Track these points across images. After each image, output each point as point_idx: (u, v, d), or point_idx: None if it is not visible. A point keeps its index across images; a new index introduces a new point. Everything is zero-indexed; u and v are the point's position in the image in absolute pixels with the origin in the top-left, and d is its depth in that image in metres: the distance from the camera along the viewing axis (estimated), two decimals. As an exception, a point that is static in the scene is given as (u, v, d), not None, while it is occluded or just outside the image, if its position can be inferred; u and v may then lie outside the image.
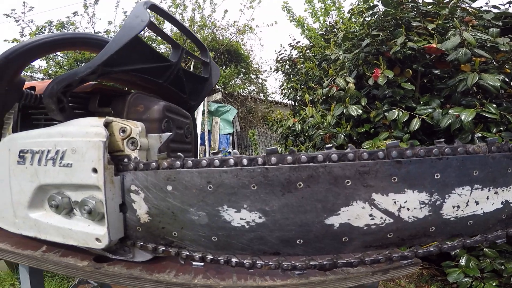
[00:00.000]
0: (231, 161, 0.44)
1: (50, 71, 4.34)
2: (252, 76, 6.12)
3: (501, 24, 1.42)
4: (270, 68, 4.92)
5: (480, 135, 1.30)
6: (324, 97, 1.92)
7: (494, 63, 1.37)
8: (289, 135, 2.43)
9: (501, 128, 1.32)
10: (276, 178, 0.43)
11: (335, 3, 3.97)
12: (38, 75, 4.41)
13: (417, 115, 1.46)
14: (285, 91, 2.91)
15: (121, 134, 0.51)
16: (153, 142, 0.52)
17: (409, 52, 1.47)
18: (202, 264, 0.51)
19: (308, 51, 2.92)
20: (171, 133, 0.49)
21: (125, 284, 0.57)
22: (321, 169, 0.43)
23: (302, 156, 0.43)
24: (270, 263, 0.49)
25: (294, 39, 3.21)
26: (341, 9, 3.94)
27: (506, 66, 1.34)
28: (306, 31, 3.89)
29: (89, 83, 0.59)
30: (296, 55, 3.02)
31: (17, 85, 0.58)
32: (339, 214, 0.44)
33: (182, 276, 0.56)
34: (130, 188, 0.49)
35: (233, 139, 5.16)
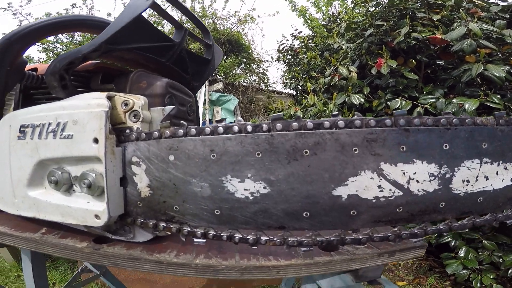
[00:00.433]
0: (235, 128, 0.41)
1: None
2: (254, 66, 5.93)
3: (508, 16, 1.39)
4: (272, 58, 4.79)
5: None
6: (326, 86, 1.89)
7: (500, 55, 1.33)
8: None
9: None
10: (281, 145, 0.41)
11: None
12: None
13: (420, 104, 1.43)
14: (287, 80, 2.84)
15: (124, 107, 0.49)
16: (156, 115, 0.50)
17: (413, 42, 1.43)
18: (204, 240, 0.47)
19: (310, 41, 2.85)
20: (174, 106, 0.47)
21: (125, 266, 0.53)
22: (327, 136, 0.41)
23: (308, 123, 0.41)
24: (275, 239, 0.46)
25: (296, 29, 3.11)
26: (344, -1, 3.81)
27: (512, 58, 1.30)
28: (309, 21, 3.75)
29: (91, 62, 0.58)
30: (298, 45, 2.95)
31: (18, 66, 0.57)
32: (347, 185, 0.42)
33: (183, 256, 0.52)
34: (131, 159, 0.46)
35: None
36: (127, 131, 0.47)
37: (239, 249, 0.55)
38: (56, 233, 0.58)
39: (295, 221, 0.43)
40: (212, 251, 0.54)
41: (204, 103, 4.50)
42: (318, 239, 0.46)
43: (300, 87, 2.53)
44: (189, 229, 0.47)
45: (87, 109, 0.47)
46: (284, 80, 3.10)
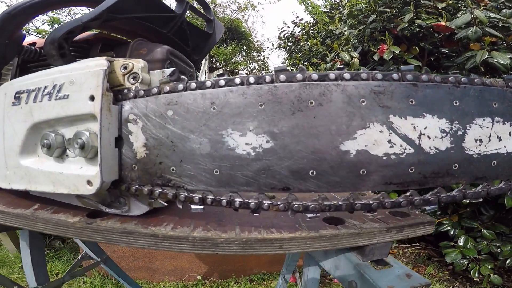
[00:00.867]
0: (237, 80, 0.39)
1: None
2: (254, 54, 5.81)
3: None
4: (272, 45, 4.61)
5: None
6: (327, 72, 1.84)
7: (505, 44, 1.29)
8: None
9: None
10: (285, 96, 0.38)
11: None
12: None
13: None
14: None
15: (123, 70, 0.47)
16: (155, 79, 0.47)
17: (417, 29, 1.39)
18: (202, 207, 0.43)
19: (311, 28, 2.77)
20: (174, 68, 0.45)
21: (118, 242, 0.48)
22: (333, 87, 0.38)
23: (313, 74, 0.38)
24: (279, 203, 0.41)
25: (297, 16, 3.03)
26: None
27: (517, 48, 1.25)
28: (310, 8, 3.61)
29: (90, 33, 0.57)
30: (299, 32, 2.87)
31: (17, 39, 0.56)
32: (355, 138, 0.38)
33: (180, 229, 0.47)
34: (128, 117, 0.43)
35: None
36: (125, 90, 0.44)
37: (239, 221, 0.50)
38: (49, 209, 0.53)
39: (300, 181, 0.39)
40: (211, 223, 0.49)
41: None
42: (325, 203, 0.41)
43: (301, 74, 2.46)
44: (186, 194, 0.42)
45: (85, 69, 0.45)
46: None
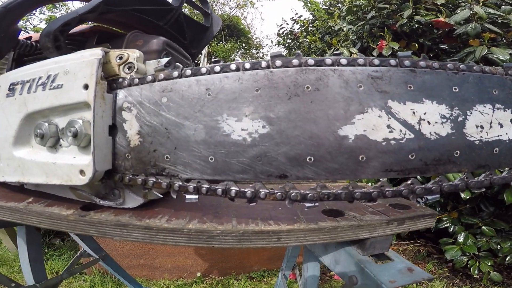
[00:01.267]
0: (233, 66, 0.37)
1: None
2: (253, 51, 5.68)
3: None
4: (272, 42, 4.49)
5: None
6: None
7: (504, 40, 1.26)
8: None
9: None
10: (281, 80, 0.36)
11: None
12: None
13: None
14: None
15: (118, 60, 0.45)
16: (151, 69, 0.46)
17: (416, 25, 1.37)
18: (197, 197, 0.41)
19: (310, 25, 2.73)
20: (170, 58, 0.43)
21: (112, 235, 0.46)
22: (330, 72, 0.37)
23: (309, 60, 0.37)
24: (276, 192, 0.39)
25: (296, 13, 3.00)
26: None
27: (517, 44, 1.23)
28: (309, 5, 3.56)
29: (86, 26, 0.56)
30: (298, 29, 2.83)
31: (12, 33, 0.55)
32: (353, 123, 0.36)
33: (175, 221, 0.45)
34: (122, 105, 0.41)
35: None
36: (120, 79, 0.43)
37: (236, 213, 0.48)
38: (43, 202, 0.51)
39: (298, 168, 0.37)
40: (207, 215, 0.47)
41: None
42: (324, 192, 0.39)
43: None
44: (181, 183, 0.40)
45: (80, 59, 0.43)
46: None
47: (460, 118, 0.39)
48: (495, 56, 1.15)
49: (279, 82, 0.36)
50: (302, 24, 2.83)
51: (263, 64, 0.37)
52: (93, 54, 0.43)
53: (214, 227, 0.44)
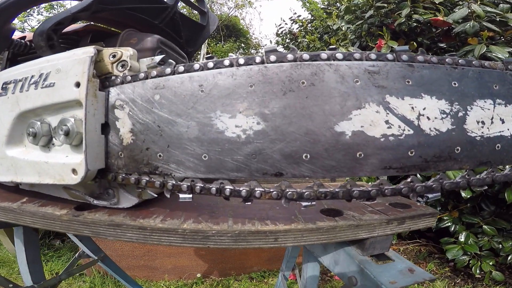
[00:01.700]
0: (226, 62, 0.36)
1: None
2: (252, 51, 5.60)
3: None
4: (270, 42, 4.45)
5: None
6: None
7: (503, 39, 1.25)
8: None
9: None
10: (276, 76, 0.35)
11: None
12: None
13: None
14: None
15: (111, 58, 0.44)
16: (145, 67, 0.44)
17: (414, 24, 1.36)
18: (191, 196, 0.39)
19: (309, 24, 2.73)
20: (164, 55, 0.42)
21: (106, 235, 0.45)
22: (325, 67, 0.35)
23: (304, 54, 0.36)
24: (272, 190, 0.38)
25: (295, 13, 3.00)
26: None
27: (515, 43, 1.22)
28: (307, 5, 3.57)
29: (80, 25, 0.55)
30: (297, 29, 2.83)
31: (6, 32, 0.54)
32: (350, 119, 0.35)
33: (170, 221, 0.44)
34: (114, 103, 0.40)
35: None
36: (113, 77, 0.42)
37: (233, 213, 0.46)
38: (37, 202, 0.50)
39: (294, 166, 0.36)
40: (203, 215, 0.46)
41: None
42: (321, 190, 0.38)
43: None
44: (174, 182, 0.39)
45: (72, 57, 0.42)
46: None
47: (460, 114, 0.38)
48: (494, 54, 1.14)
49: (274, 78, 0.35)
50: (301, 23, 2.83)
51: (257, 59, 0.36)
52: (85, 52, 0.42)
53: (209, 227, 0.42)
